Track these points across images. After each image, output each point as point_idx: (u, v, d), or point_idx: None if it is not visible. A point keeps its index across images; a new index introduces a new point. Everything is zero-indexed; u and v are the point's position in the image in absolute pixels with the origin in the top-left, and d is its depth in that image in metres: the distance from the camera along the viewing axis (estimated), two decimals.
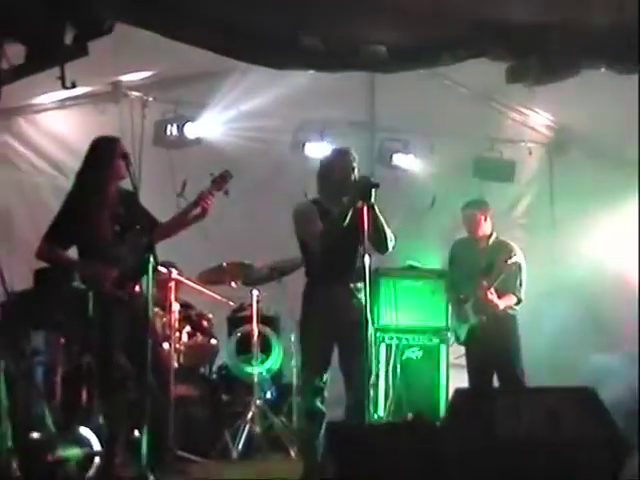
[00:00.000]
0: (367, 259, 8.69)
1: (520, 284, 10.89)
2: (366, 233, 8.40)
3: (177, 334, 10.63)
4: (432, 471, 7.20)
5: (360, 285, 8.64)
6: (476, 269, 10.85)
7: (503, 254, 10.83)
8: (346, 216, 8.51)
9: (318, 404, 8.95)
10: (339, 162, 8.91)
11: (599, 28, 7.86)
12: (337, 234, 8.58)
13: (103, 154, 8.74)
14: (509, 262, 10.75)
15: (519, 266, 10.91)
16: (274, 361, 11.34)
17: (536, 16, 7.87)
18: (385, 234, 8.86)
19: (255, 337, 11.06)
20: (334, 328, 8.81)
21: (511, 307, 10.85)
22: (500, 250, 10.88)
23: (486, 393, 9.73)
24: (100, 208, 8.62)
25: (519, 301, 10.87)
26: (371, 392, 8.95)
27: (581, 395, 8.49)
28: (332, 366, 8.91)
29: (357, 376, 8.61)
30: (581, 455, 7.61)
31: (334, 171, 8.85)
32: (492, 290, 10.58)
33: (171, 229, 8.90)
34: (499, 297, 10.67)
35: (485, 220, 11.04)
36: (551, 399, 8.45)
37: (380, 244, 8.88)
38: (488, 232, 11.06)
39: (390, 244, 8.96)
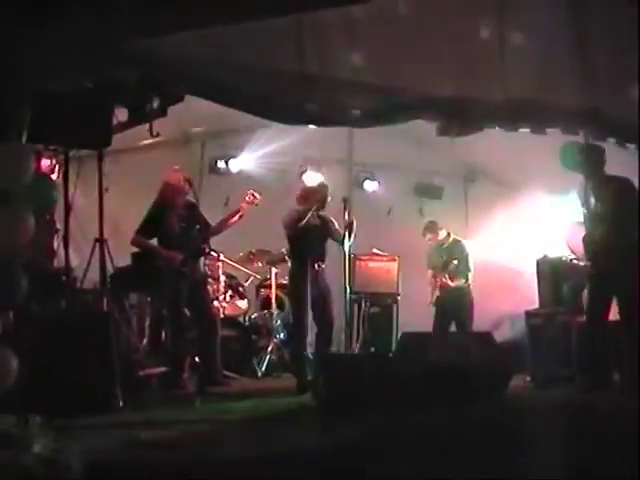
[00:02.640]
0: (347, 247, 8.91)
1: (468, 268, 11.38)
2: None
3: (223, 296, 10.71)
4: (386, 385, 7.30)
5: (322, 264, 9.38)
6: (439, 261, 11.40)
7: (456, 250, 11.36)
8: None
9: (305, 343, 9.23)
10: None
11: (495, 101, 7.95)
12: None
13: (174, 178, 8.86)
14: (459, 254, 11.36)
15: (467, 257, 11.42)
16: (285, 314, 11.42)
17: (456, 92, 7.96)
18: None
19: (273, 298, 11.16)
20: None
21: (464, 283, 11.34)
22: (454, 247, 11.35)
23: (422, 335, 9.81)
24: (172, 213, 8.74)
25: (467, 279, 11.34)
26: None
27: (483, 337, 8.62)
28: None
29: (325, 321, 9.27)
30: (482, 375, 7.73)
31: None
32: (445, 276, 11.23)
33: (220, 229, 9.05)
34: (452, 279, 11.26)
35: (437, 234, 11.58)
36: (464, 339, 8.58)
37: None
38: (442, 237, 11.56)
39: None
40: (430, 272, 11.58)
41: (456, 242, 11.49)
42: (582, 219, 8.66)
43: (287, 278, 10.02)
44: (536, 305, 10.22)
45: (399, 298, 11.88)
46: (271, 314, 11.11)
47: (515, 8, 8.15)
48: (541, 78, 8.11)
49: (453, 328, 11.26)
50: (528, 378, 9.55)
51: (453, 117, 8.18)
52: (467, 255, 11.40)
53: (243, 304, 11.34)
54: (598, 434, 5.76)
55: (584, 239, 8.63)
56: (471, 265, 11.38)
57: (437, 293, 11.35)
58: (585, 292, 8.84)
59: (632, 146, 8.81)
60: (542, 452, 5.13)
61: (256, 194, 9.19)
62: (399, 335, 10.93)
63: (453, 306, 11.25)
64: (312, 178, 12.07)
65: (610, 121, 8.45)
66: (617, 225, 8.23)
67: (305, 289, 9.27)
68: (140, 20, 6.61)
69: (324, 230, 9.46)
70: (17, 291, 5.62)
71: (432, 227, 11.58)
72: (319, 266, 9.33)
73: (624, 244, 8.20)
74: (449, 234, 11.55)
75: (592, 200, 8.44)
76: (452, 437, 5.87)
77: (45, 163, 8.72)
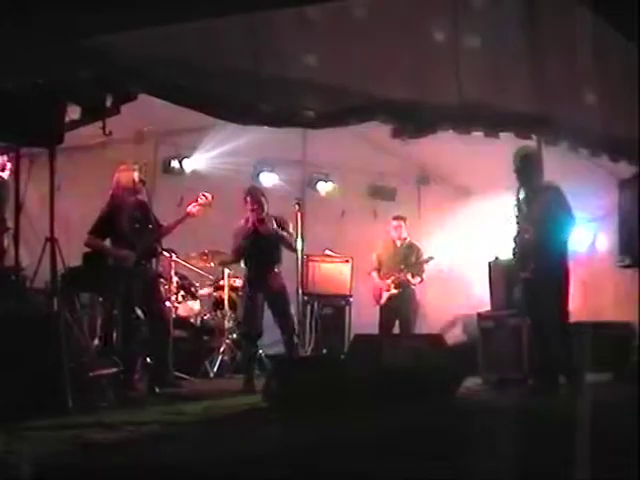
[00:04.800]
0: (299, 248, 8.92)
1: (423, 270, 11.52)
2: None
3: (175, 296, 10.67)
4: (338, 387, 7.30)
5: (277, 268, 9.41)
6: (397, 260, 11.28)
7: (413, 251, 11.48)
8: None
9: (256, 343, 9.42)
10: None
11: (449, 105, 8.02)
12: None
13: (125, 178, 8.81)
14: (417, 255, 11.51)
15: (425, 260, 11.50)
16: (237, 315, 11.40)
17: (410, 95, 8.01)
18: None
19: (226, 299, 11.13)
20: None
21: (413, 284, 11.40)
22: (411, 248, 11.39)
23: (374, 337, 9.86)
24: (124, 213, 8.69)
25: (422, 280, 11.48)
26: (298, 336, 9.30)
27: (435, 339, 8.66)
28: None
29: (286, 326, 9.25)
30: (433, 377, 7.76)
31: None
32: (407, 272, 11.26)
33: (170, 229, 8.99)
34: (413, 276, 11.44)
35: (406, 226, 11.60)
36: (416, 341, 8.62)
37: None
38: (405, 235, 11.60)
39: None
40: (376, 274, 11.59)
41: (413, 245, 11.56)
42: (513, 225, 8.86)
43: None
44: (488, 307, 10.28)
45: (352, 300, 11.92)
46: (223, 315, 11.09)
47: (469, 12, 8.23)
48: (495, 82, 8.20)
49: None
50: (480, 381, 9.60)
51: (407, 119, 8.24)
52: (427, 260, 11.45)
53: (195, 305, 11.31)
54: (547, 436, 5.81)
55: (514, 244, 8.81)
56: (425, 268, 11.43)
57: (391, 292, 11.32)
58: None
59: (584, 151, 8.95)
60: (492, 455, 5.16)
61: (208, 195, 9.17)
62: (351, 337, 10.99)
63: (402, 308, 11.27)
64: (268, 179, 12.12)
65: (563, 126, 8.57)
66: (547, 232, 8.39)
67: (255, 293, 9.34)
68: (94, 18, 6.57)
69: (277, 238, 9.44)
70: None
71: (401, 218, 11.66)
72: (272, 269, 9.37)
73: (552, 251, 8.36)
74: (407, 236, 11.60)
75: (523, 207, 8.61)
76: (403, 439, 5.88)
77: None
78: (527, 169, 8.60)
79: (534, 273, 8.44)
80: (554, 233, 8.43)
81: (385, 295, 11.36)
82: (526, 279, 8.62)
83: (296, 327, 9.42)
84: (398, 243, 11.54)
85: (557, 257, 8.42)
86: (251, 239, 9.29)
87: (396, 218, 11.67)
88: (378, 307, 11.53)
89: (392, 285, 11.30)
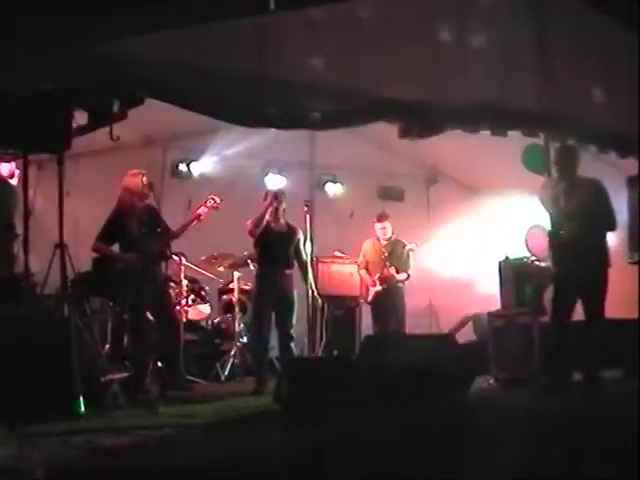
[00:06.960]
0: (309, 249, 8.90)
1: (409, 266, 11.25)
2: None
3: (185, 299, 10.67)
4: (348, 387, 7.31)
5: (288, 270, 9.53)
6: (381, 256, 11.19)
7: (399, 247, 11.24)
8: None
9: (265, 345, 9.48)
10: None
11: (456, 104, 8.02)
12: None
13: (133, 182, 8.81)
14: (402, 251, 11.20)
15: (408, 255, 11.26)
16: (248, 318, 11.39)
17: (417, 95, 8.02)
18: None
19: (236, 302, 11.12)
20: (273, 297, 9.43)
21: (402, 282, 11.21)
22: (397, 245, 11.21)
23: (384, 338, 9.86)
24: (132, 218, 8.70)
25: (408, 276, 11.26)
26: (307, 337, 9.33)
27: (444, 339, 8.66)
28: None
29: (284, 327, 9.43)
30: (445, 377, 7.76)
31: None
32: (391, 268, 11.06)
33: (178, 233, 8.98)
34: (398, 272, 11.17)
35: (390, 225, 11.40)
36: (426, 341, 8.62)
37: None
38: (390, 234, 11.33)
39: None
40: (364, 271, 11.52)
41: (399, 241, 11.42)
42: (544, 220, 8.69)
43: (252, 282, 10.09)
44: (498, 306, 10.27)
45: (362, 301, 11.90)
46: (234, 318, 11.09)
47: (475, 12, 8.24)
48: (502, 80, 8.20)
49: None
50: (492, 380, 9.59)
51: (414, 119, 8.25)
52: (409, 254, 11.33)
53: (205, 308, 11.31)
54: (561, 435, 5.80)
55: (550, 240, 8.63)
56: (411, 265, 11.33)
57: (376, 289, 11.25)
58: (546, 293, 8.89)
59: (593, 148, 8.92)
60: (504, 453, 5.16)
61: (217, 198, 9.18)
62: (362, 338, 10.97)
63: (388, 306, 11.19)
64: (276, 181, 12.12)
65: (570, 123, 8.55)
66: (587, 226, 8.21)
67: (265, 293, 9.44)
68: (100, 23, 6.58)
69: (290, 239, 9.50)
70: None
71: (384, 219, 11.50)
72: (283, 272, 9.41)
73: (592, 245, 8.23)
74: (393, 233, 11.48)
75: (562, 201, 8.37)
76: (415, 439, 5.88)
77: (4, 167, 8.64)
78: (568, 161, 8.40)
79: (568, 270, 8.30)
80: (593, 229, 8.27)
81: (371, 292, 11.30)
82: (558, 276, 8.47)
83: (294, 335, 9.50)
84: (383, 241, 11.41)
85: (596, 254, 8.27)
86: (265, 237, 9.40)
87: (379, 220, 11.54)
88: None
89: (377, 282, 11.22)
